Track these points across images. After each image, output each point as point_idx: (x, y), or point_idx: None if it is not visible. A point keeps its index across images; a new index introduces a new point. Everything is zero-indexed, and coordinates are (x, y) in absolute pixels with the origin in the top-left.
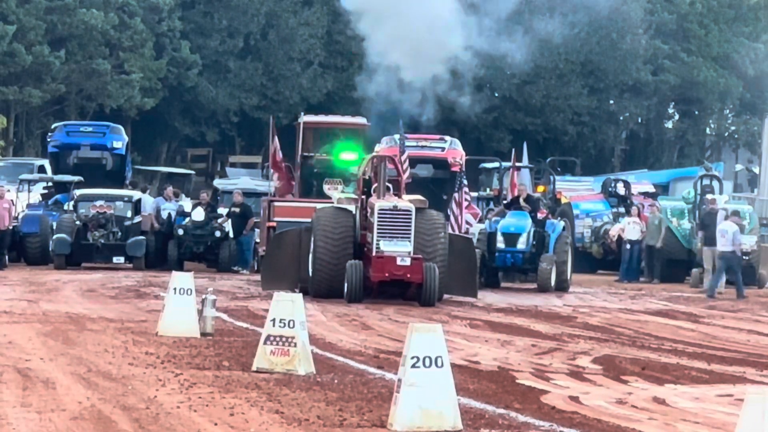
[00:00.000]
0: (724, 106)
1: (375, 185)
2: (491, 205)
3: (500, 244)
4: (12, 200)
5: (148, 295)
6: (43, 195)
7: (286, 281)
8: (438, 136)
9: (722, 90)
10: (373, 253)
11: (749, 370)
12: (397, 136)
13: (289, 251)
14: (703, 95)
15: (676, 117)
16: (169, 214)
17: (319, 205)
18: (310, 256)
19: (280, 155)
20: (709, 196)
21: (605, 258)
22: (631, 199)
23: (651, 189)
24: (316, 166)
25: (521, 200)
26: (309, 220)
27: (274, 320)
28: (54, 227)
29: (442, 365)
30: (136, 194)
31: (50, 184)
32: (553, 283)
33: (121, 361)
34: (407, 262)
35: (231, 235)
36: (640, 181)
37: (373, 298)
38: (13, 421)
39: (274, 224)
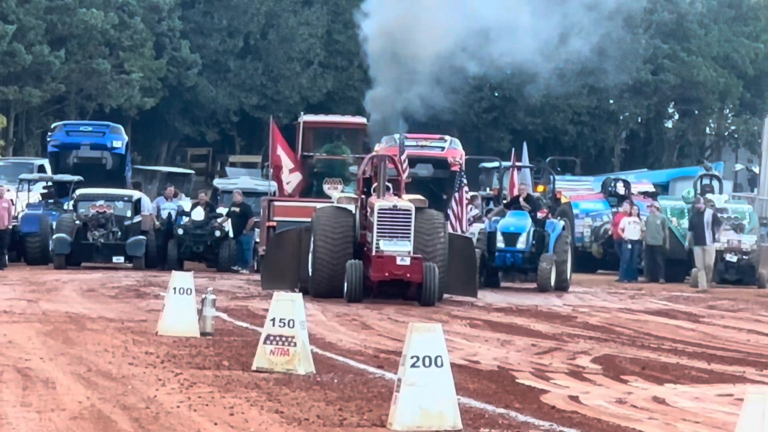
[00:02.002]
0: (724, 106)
1: (375, 185)
2: (491, 205)
3: (500, 243)
4: (12, 200)
5: (148, 294)
6: (42, 195)
7: (286, 281)
8: (438, 136)
9: (722, 90)
10: (373, 253)
11: (749, 370)
12: (397, 136)
13: (289, 251)
14: (703, 95)
15: (676, 117)
16: (169, 214)
17: (319, 205)
18: (310, 255)
19: (290, 154)
20: (709, 196)
21: (605, 258)
22: (630, 198)
23: (651, 189)
24: (315, 165)
25: (521, 200)
26: (309, 219)
27: (273, 320)
28: (54, 227)
29: (442, 365)
30: (136, 194)
31: (50, 183)
32: (552, 282)
33: (121, 360)
34: (407, 261)
35: (231, 234)
36: (640, 181)
37: (372, 298)
38: (13, 421)
39: (274, 224)
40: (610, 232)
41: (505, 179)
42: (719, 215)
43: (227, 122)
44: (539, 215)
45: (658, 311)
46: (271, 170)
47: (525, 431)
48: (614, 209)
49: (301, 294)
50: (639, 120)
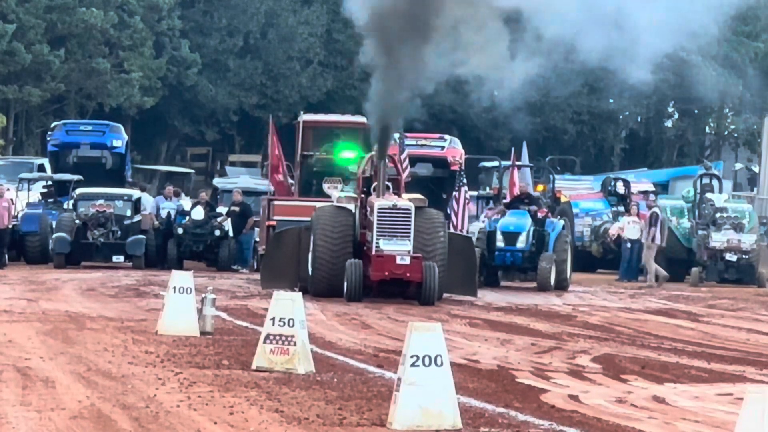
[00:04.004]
0: (723, 105)
1: (374, 184)
2: (491, 204)
3: (500, 243)
4: (12, 199)
5: (148, 294)
6: (42, 194)
7: (286, 280)
8: (437, 135)
9: (722, 89)
10: (373, 252)
11: (749, 369)
12: (396, 135)
13: (289, 250)
14: (703, 94)
15: (676, 116)
16: (169, 213)
17: (318, 204)
18: (310, 255)
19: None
20: (708, 195)
21: (605, 257)
22: (630, 198)
23: (651, 188)
24: (315, 165)
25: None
26: (309, 219)
27: (273, 319)
28: (54, 226)
29: (442, 364)
30: (136, 193)
31: (50, 182)
32: (552, 282)
33: (120, 360)
34: (407, 261)
35: (230, 234)
36: (640, 180)
37: (372, 297)
38: (13, 420)
39: (274, 223)
40: (613, 235)
41: (504, 178)
42: (660, 216)
43: (227, 121)
44: (539, 214)
45: (658, 310)
46: (269, 168)
47: (525, 430)
48: (614, 208)
49: (300, 293)
50: (639, 119)
